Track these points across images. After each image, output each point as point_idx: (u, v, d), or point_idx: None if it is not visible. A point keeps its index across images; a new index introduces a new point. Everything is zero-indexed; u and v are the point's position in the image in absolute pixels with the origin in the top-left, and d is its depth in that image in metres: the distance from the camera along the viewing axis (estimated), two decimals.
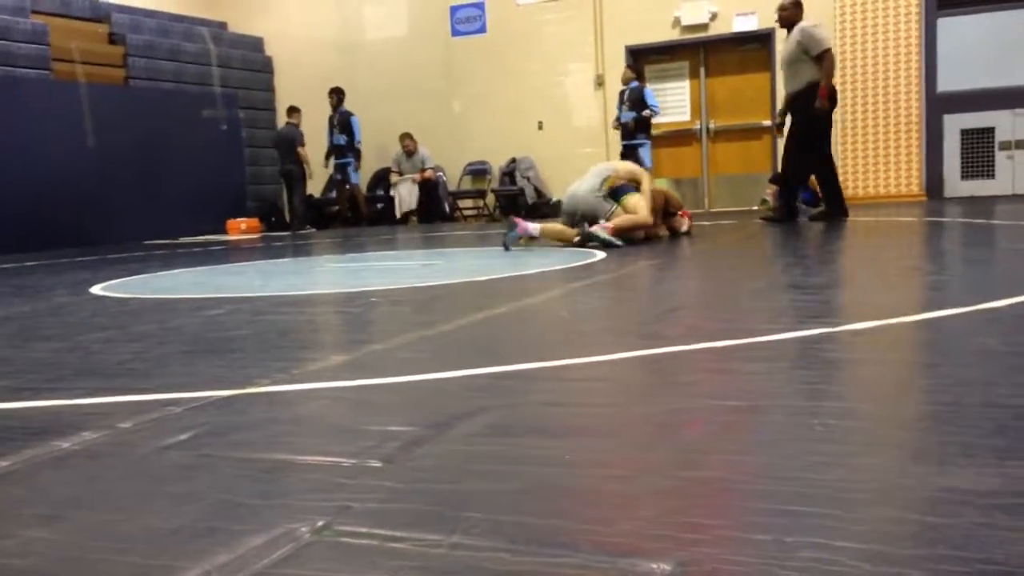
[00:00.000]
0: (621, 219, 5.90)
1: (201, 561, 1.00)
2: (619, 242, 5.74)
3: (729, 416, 1.51)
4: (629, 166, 6.48)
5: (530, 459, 1.33)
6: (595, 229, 5.80)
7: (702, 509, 1.10)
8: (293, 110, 12.22)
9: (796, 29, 7.56)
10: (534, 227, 6.09)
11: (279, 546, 1.03)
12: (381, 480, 1.25)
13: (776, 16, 7.87)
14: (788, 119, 7.82)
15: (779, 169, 8.31)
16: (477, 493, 1.18)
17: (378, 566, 0.96)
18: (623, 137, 10.44)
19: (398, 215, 12.18)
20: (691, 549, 0.96)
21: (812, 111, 7.41)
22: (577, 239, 5.99)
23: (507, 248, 6.00)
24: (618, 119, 10.53)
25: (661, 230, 6.41)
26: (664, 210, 6.40)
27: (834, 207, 7.59)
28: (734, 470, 1.23)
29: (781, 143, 8.31)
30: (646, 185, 6.15)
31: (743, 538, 0.99)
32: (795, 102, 7.56)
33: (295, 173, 12.00)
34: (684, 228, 6.55)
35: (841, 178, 10.87)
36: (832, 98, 7.55)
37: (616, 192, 6.04)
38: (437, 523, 1.07)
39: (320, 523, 1.09)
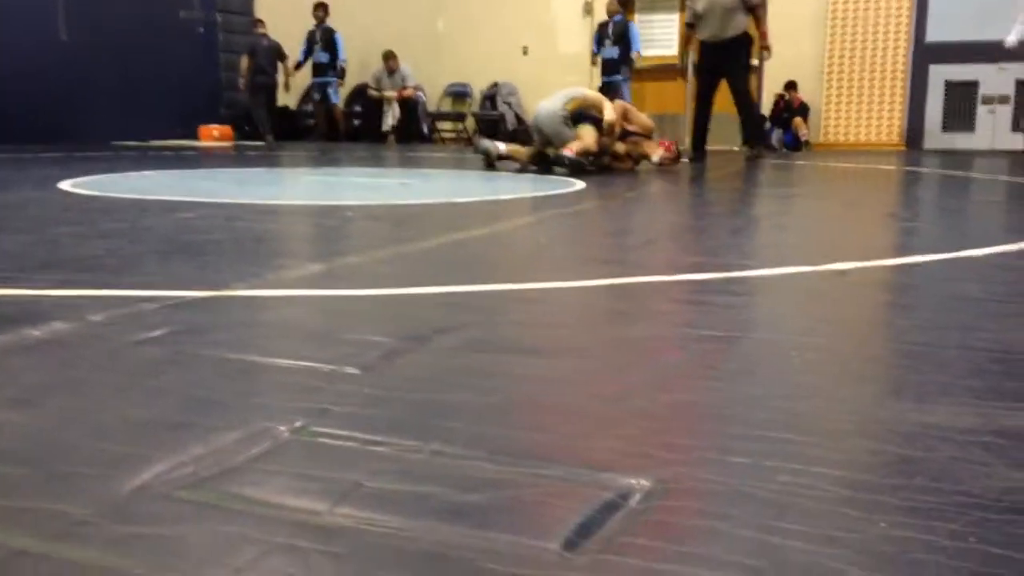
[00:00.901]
0: (578, 147, 5.90)
1: (177, 452, 0.98)
2: (584, 162, 5.79)
3: (707, 344, 1.51)
4: (598, 96, 6.40)
5: (510, 374, 1.32)
6: (566, 153, 5.81)
7: (681, 431, 1.10)
8: (260, 22, 11.92)
9: None
10: (502, 146, 6.20)
11: (256, 443, 1.02)
12: (360, 386, 1.24)
13: None
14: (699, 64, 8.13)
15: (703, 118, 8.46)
16: (457, 404, 1.17)
17: (357, 467, 0.95)
18: (606, 72, 10.21)
19: (384, 128, 11.95)
20: (671, 468, 0.96)
21: (745, 59, 7.84)
22: (533, 162, 6.13)
23: (488, 157, 6.08)
24: (596, 54, 10.28)
25: (625, 163, 6.34)
26: (625, 131, 6.31)
27: (762, 140, 8.17)
28: (712, 395, 1.23)
29: (689, 86, 8.47)
30: (608, 116, 6.10)
31: (722, 460, 0.99)
32: (728, 48, 7.80)
33: (272, 85, 11.76)
34: (656, 158, 6.41)
35: (822, 123, 10.89)
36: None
37: (578, 117, 6.03)
38: (417, 430, 1.07)
39: (298, 423, 1.08)
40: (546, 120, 6.09)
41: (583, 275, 2.21)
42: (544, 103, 6.22)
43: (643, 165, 6.32)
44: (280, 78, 11.55)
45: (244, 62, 11.70)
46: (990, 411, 1.15)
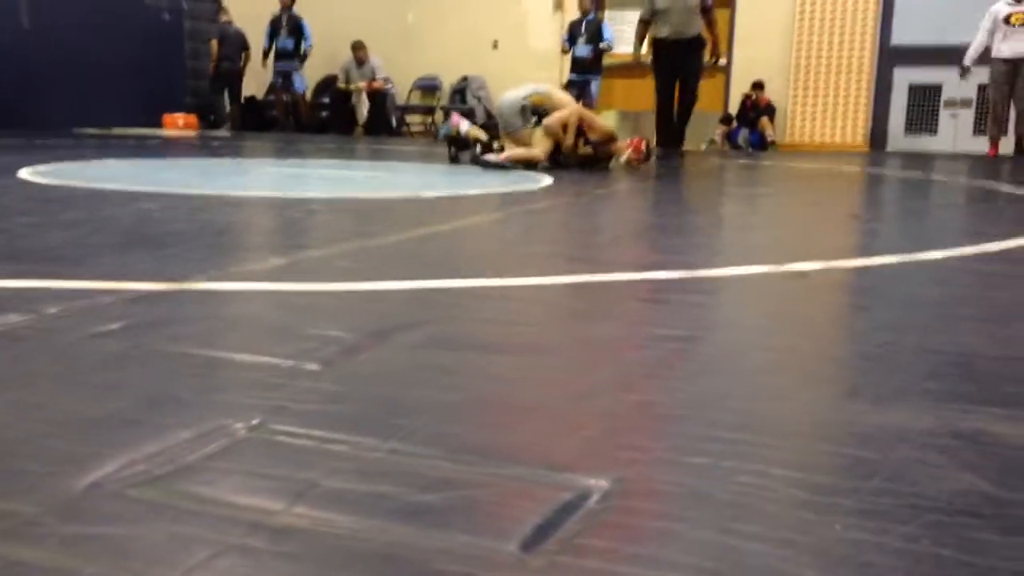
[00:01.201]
0: (513, 152, 5.98)
1: (129, 450, 0.97)
2: (508, 165, 5.83)
3: (668, 344, 1.52)
4: (564, 98, 6.43)
5: (470, 372, 1.32)
6: (488, 157, 5.90)
7: (641, 431, 1.10)
8: (224, 9, 11.83)
9: None
10: (465, 124, 6.20)
11: (211, 440, 1.00)
12: (319, 383, 1.23)
13: None
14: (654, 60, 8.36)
15: (665, 111, 8.57)
16: (417, 402, 1.16)
17: (314, 465, 0.94)
18: (576, 70, 10.20)
19: (359, 122, 11.85)
20: (629, 468, 0.96)
21: (701, 60, 8.19)
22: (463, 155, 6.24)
23: (444, 139, 6.15)
24: (569, 50, 10.27)
25: (599, 162, 6.36)
26: (586, 140, 6.34)
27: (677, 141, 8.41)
28: (673, 396, 1.24)
29: (647, 83, 8.59)
30: (551, 118, 6.11)
31: (680, 460, 0.99)
32: (690, 46, 8.10)
33: (236, 73, 11.68)
34: (623, 158, 6.41)
35: (788, 124, 10.99)
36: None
37: (539, 113, 6.09)
38: (375, 428, 1.06)
39: (255, 421, 1.07)
40: (505, 105, 6.21)
41: (548, 272, 2.21)
42: (510, 91, 6.32)
43: (614, 163, 6.32)
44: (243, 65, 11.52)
45: (214, 47, 11.62)
46: (946, 413, 1.16)
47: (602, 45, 10.02)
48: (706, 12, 8.00)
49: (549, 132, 6.05)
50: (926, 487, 0.92)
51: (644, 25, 8.17)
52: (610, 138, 6.39)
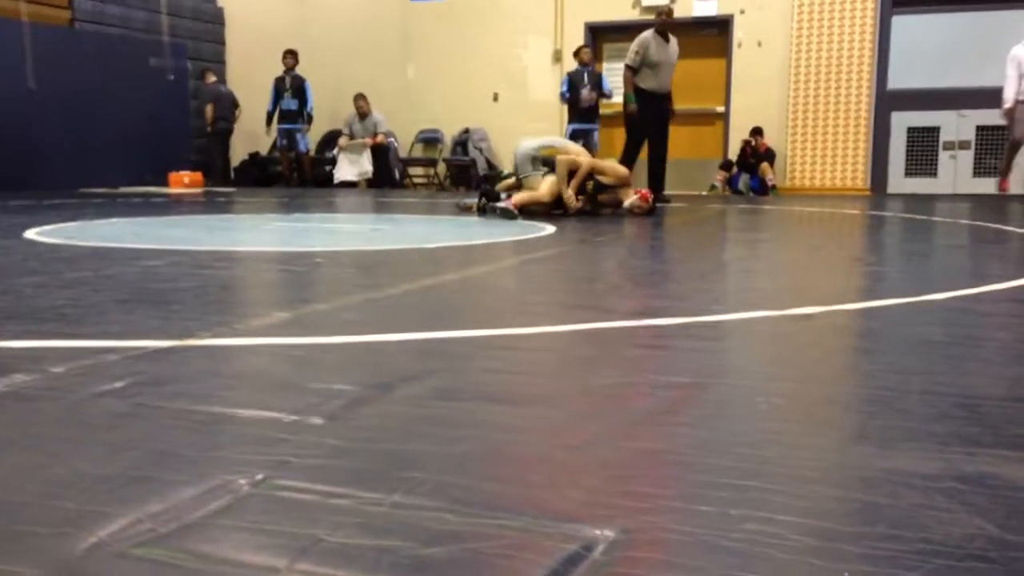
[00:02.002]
0: (520, 195, 6.23)
1: (134, 509, 0.96)
2: (516, 212, 6.01)
3: (673, 391, 1.52)
4: (576, 150, 6.66)
5: (474, 424, 1.31)
6: (498, 205, 6.12)
7: (646, 479, 1.10)
8: (211, 71, 12.13)
9: (672, 39, 8.48)
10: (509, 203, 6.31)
11: (216, 497, 1.00)
12: (323, 437, 1.23)
13: (663, 18, 8.48)
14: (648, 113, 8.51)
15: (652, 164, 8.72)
16: (420, 454, 1.16)
17: (317, 521, 0.94)
18: (582, 119, 10.34)
19: (336, 180, 11.92)
20: (635, 517, 0.96)
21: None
22: (477, 206, 6.43)
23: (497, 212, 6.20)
24: (567, 99, 10.39)
25: (606, 209, 6.48)
26: (602, 185, 6.47)
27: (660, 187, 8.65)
28: (678, 443, 1.23)
29: (617, 134, 8.76)
30: (576, 160, 6.39)
31: (687, 509, 0.99)
32: (669, 100, 8.51)
33: (230, 131, 12.00)
34: (627, 203, 6.47)
35: (788, 168, 11.06)
36: None
37: (549, 163, 6.34)
38: (379, 482, 1.05)
39: (259, 476, 1.07)
40: (520, 152, 6.53)
41: (551, 321, 2.21)
42: (526, 139, 6.70)
43: (627, 204, 6.44)
44: (234, 125, 11.90)
45: (210, 110, 11.93)
46: (952, 457, 1.15)
47: (604, 94, 10.19)
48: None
49: (560, 168, 6.27)
50: (934, 532, 0.92)
51: (632, 73, 8.33)
52: (625, 182, 6.56)
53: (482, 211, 6.44)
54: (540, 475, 1.10)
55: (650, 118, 8.33)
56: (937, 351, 1.85)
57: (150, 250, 3.80)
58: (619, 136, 11.64)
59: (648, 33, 8.41)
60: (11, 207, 6.84)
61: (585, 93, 10.23)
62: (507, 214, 5.97)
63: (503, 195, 6.35)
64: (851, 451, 1.19)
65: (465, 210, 6.71)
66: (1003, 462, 1.13)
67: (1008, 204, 8.18)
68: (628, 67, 8.36)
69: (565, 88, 10.40)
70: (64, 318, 2.16)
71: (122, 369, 1.62)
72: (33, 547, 0.87)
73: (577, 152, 6.54)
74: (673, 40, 8.47)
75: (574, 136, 10.12)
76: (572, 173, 6.31)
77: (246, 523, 0.93)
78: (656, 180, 8.61)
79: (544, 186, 6.26)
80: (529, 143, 6.55)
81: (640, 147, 8.57)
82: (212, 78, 12.14)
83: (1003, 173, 9.31)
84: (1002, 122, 9.15)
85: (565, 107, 10.61)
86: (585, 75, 10.27)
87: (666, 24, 8.43)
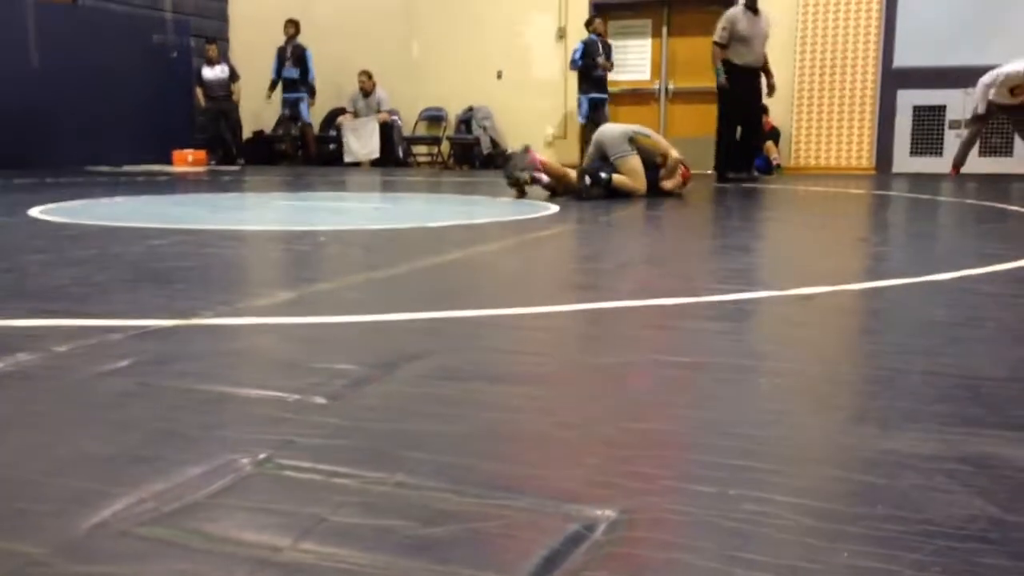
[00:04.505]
0: (621, 179, 6.13)
1: (137, 488, 0.97)
2: (601, 189, 5.98)
3: (675, 371, 1.52)
4: (667, 144, 6.58)
5: (477, 403, 1.32)
6: (601, 175, 6.06)
7: (647, 460, 1.10)
8: (213, 47, 12.11)
9: (763, 11, 8.36)
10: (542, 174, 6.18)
11: (219, 476, 1.00)
12: (326, 417, 1.23)
13: None
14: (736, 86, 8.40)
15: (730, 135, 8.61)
16: (423, 434, 1.17)
17: (320, 500, 0.94)
18: (597, 89, 10.35)
19: (346, 160, 11.92)
20: (636, 498, 0.96)
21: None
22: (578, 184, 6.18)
23: (520, 176, 6.08)
24: (578, 66, 10.38)
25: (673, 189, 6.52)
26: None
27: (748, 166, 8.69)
28: (679, 423, 1.23)
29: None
30: (674, 154, 6.40)
31: (687, 489, 0.99)
32: (762, 75, 8.38)
33: (232, 108, 11.96)
34: (668, 186, 6.43)
35: (793, 148, 11.02)
36: None
37: (642, 149, 6.27)
38: (382, 461, 1.06)
39: (262, 456, 1.07)
40: (608, 133, 6.37)
41: (554, 300, 2.21)
42: (610, 124, 6.81)
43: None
44: (235, 98, 11.83)
45: (200, 93, 11.95)
46: (955, 437, 1.15)
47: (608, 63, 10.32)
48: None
49: (672, 164, 6.34)
50: (935, 513, 0.92)
51: (722, 50, 8.26)
52: (681, 163, 6.53)
53: (523, 194, 6.18)
54: (542, 455, 1.10)
55: (744, 93, 8.30)
56: (940, 331, 1.85)
57: (155, 229, 3.81)
58: (624, 114, 11.63)
59: (736, 8, 8.35)
60: (14, 185, 6.85)
61: (601, 61, 10.23)
62: (587, 192, 5.92)
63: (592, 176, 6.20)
64: (852, 431, 1.19)
65: (521, 184, 6.21)
66: (1005, 443, 1.13)
67: (1012, 184, 8.15)
68: (716, 43, 8.31)
69: (579, 56, 10.38)
70: (68, 297, 2.16)
71: (126, 348, 1.62)
72: (36, 525, 0.88)
73: (667, 146, 6.50)
74: (764, 13, 8.36)
75: (592, 106, 10.17)
76: (656, 165, 6.31)
77: (249, 502, 0.94)
78: (747, 157, 8.59)
79: (640, 179, 6.19)
80: (617, 127, 6.51)
81: (738, 123, 8.47)
82: (211, 52, 12.06)
83: (957, 165, 9.43)
84: (1010, 101, 9.03)
85: (575, 77, 10.62)
86: (600, 45, 10.30)
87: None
